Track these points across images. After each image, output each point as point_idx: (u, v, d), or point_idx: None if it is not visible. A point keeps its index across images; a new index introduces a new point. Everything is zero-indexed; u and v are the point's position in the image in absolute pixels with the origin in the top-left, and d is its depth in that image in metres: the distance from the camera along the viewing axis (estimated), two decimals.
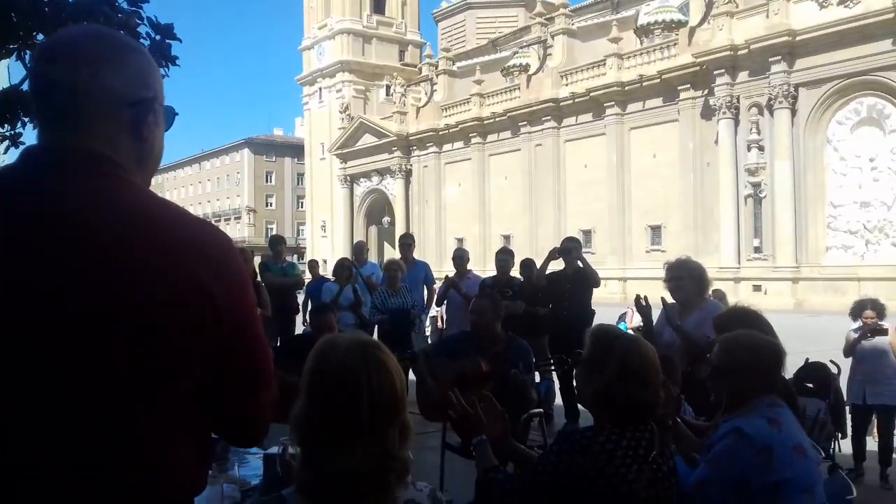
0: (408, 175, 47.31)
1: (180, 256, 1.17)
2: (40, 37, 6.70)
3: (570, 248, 7.74)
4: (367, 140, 49.11)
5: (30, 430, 1.13)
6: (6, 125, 7.85)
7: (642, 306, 4.47)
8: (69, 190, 1.17)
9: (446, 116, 44.27)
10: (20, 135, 8.84)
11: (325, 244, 52.68)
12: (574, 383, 7.17)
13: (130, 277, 1.13)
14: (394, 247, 48.19)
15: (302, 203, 69.41)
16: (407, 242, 9.46)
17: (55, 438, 1.13)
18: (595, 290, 7.93)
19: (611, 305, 10.67)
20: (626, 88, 33.66)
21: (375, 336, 8.27)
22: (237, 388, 1.29)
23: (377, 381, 1.49)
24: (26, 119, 8.26)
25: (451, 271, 9.10)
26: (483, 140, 41.77)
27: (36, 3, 6.41)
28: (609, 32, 35.39)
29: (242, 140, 77.65)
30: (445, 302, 8.59)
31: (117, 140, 1.25)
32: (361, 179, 51.05)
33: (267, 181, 77.97)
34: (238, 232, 70.37)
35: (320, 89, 55.17)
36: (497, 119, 40.22)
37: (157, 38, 6.68)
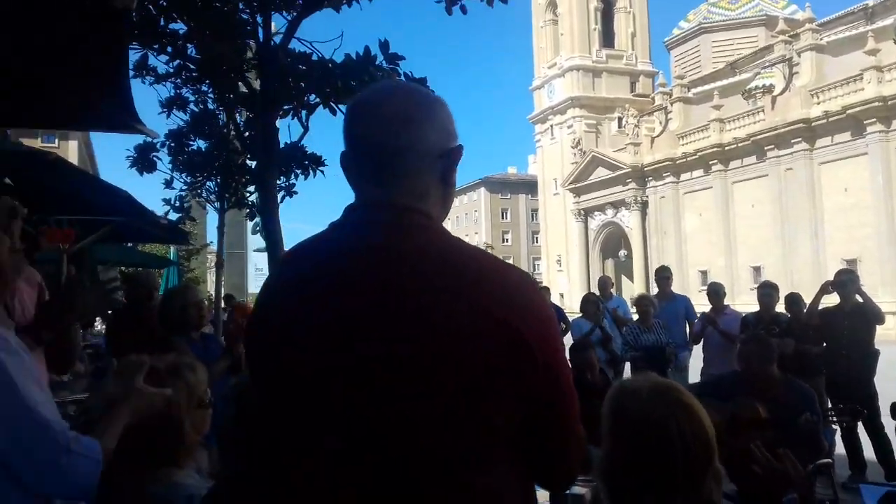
0: (643, 206, 46.26)
1: (494, 303, 1.18)
2: (313, 97, 7.56)
3: (845, 281, 7.12)
4: (600, 173, 48.84)
5: (363, 469, 1.18)
6: (282, 177, 8.93)
7: None
8: (392, 244, 1.23)
9: (683, 145, 42.79)
10: (293, 185, 10.02)
11: (561, 278, 52.88)
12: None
13: (456, 324, 1.16)
14: (632, 280, 47.47)
15: (536, 238, 70.42)
16: (665, 276, 9.20)
17: (386, 477, 1.17)
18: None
19: (889, 343, 9.56)
20: (889, 103, 30.35)
21: (627, 374, 8.19)
22: (552, 434, 1.29)
23: (688, 427, 1.41)
24: (299, 171, 9.35)
25: (699, 305, 8.80)
26: (725, 167, 39.73)
27: (309, 68, 7.22)
28: (865, 44, 32.24)
29: (479, 180, 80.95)
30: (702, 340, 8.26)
31: (429, 190, 1.31)
32: (595, 213, 50.76)
33: (503, 217, 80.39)
34: None
35: (552, 126, 55.92)
36: (740, 144, 38.09)
37: None
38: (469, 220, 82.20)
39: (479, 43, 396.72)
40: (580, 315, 8.91)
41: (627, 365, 8.25)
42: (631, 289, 42.66)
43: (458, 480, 1.18)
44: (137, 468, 1.75)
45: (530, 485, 1.31)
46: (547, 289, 14.00)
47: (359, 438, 1.18)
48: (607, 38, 54.78)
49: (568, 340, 9.21)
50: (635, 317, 8.80)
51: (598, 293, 9.70)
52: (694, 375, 7.99)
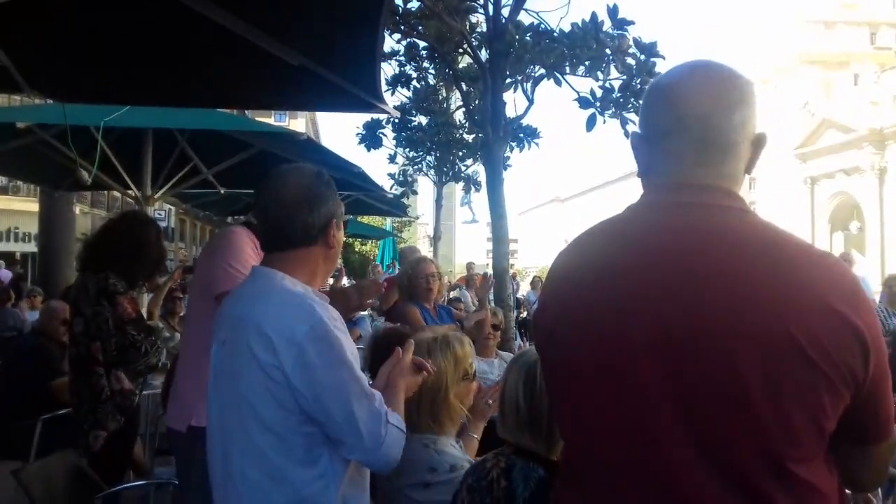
0: (882, 173, 41.54)
1: (820, 291, 1.15)
2: (536, 69, 7.55)
3: None
4: (831, 137, 44.47)
5: (697, 466, 1.17)
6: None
7: None
8: (713, 229, 1.23)
9: None
10: (507, 158, 10.11)
11: None
12: None
13: (788, 313, 1.13)
14: (864, 255, 42.88)
15: (755, 209, 65.81)
16: None
17: (721, 474, 1.16)
18: None
19: None
20: None
21: None
22: (863, 432, 1.26)
23: None
24: (514, 144, 9.43)
25: None
26: None
27: (536, 40, 7.20)
28: None
29: None
30: None
31: (739, 175, 1.31)
32: (823, 181, 46.42)
33: None
34: None
35: (774, 86, 51.75)
36: None
37: (643, 58, 7.06)
38: None
39: None
40: None
41: None
42: (864, 265, 38.70)
43: (790, 473, 1.15)
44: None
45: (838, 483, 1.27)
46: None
47: (675, 421, 1.17)
48: None
49: None
50: (876, 297, 8.03)
51: None
52: None
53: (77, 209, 9.85)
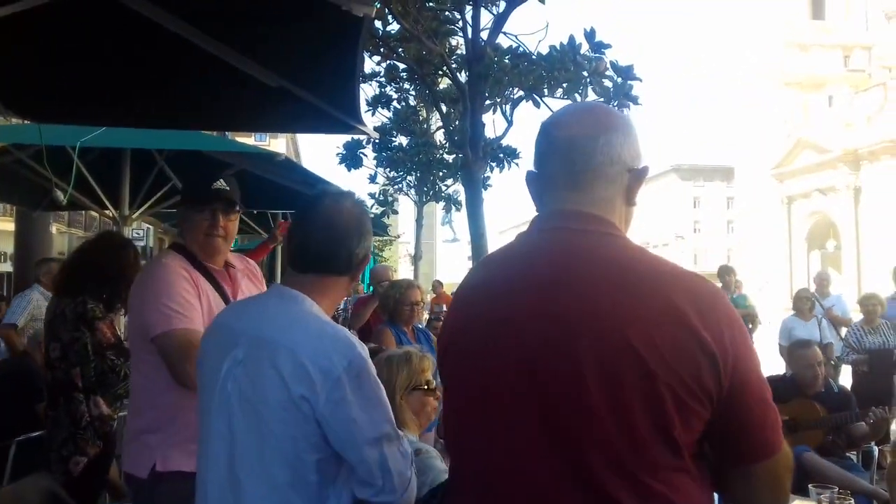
0: (857, 193, 42.16)
1: (665, 305, 1.19)
2: (515, 91, 7.62)
3: None
4: (807, 157, 45.09)
5: (552, 472, 1.21)
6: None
7: None
8: (573, 250, 1.30)
9: None
10: (488, 178, 10.19)
11: (758, 270, 49.59)
12: None
13: (630, 326, 1.18)
14: (841, 274, 43.38)
15: (732, 228, 66.59)
16: None
17: (573, 482, 1.20)
18: None
19: None
20: None
21: (850, 379, 7.58)
22: (737, 449, 1.26)
23: None
24: (494, 164, 9.50)
25: None
26: None
27: (515, 63, 7.30)
28: None
29: (670, 167, 77.76)
30: None
31: (615, 202, 1.37)
32: (800, 200, 47.00)
33: (695, 206, 76.65)
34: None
35: (752, 107, 52.44)
36: None
37: (620, 80, 7.16)
38: (660, 208, 79.28)
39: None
40: (793, 313, 8.41)
41: (846, 369, 7.69)
42: (840, 284, 39.17)
43: (642, 483, 1.18)
44: None
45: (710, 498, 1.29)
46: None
47: (542, 429, 1.23)
48: (816, 11, 50.42)
49: (769, 339, 8.63)
50: (856, 317, 8.14)
51: (815, 289, 9.09)
52: None
53: (54, 228, 9.75)
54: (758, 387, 1.24)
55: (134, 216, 6.09)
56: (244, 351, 1.70)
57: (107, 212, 5.95)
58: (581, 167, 1.36)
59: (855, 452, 4.65)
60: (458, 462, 1.43)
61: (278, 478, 1.62)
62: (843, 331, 8.09)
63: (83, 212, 9.69)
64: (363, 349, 1.69)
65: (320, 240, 1.79)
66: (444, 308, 11.70)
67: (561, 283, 1.26)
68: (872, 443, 4.65)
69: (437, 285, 14.87)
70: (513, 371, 1.27)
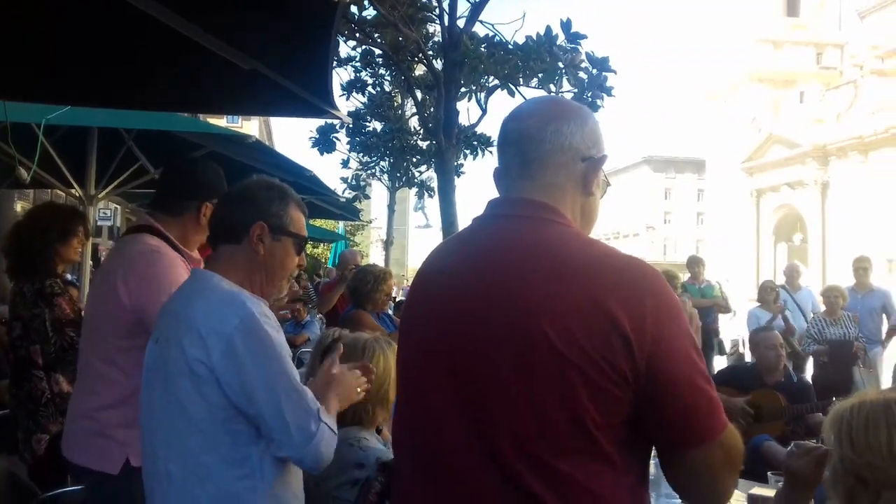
0: (824, 188, 42.87)
1: (583, 285, 1.20)
2: (491, 80, 7.62)
3: None
4: (777, 152, 45.71)
5: (471, 457, 1.24)
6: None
7: None
8: (507, 237, 1.33)
9: (875, 122, 39.10)
10: (461, 165, 10.18)
11: (727, 262, 50.26)
12: None
13: (546, 312, 1.19)
14: (807, 266, 43.96)
15: (702, 220, 67.35)
16: (863, 266, 8.64)
17: (490, 466, 1.22)
18: None
19: None
20: None
21: (810, 369, 7.73)
22: (668, 434, 1.24)
23: None
24: (468, 151, 9.49)
25: None
26: None
27: (491, 52, 7.30)
28: None
29: (642, 159, 78.36)
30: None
31: (566, 190, 1.38)
32: (769, 194, 47.67)
33: (666, 198, 77.40)
34: (638, 251, 70.90)
35: (724, 102, 52.98)
36: None
37: (595, 71, 7.19)
38: (630, 199, 79.90)
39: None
40: (757, 304, 8.53)
41: (810, 361, 7.84)
42: (806, 277, 39.78)
43: (558, 471, 1.19)
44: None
45: (642, 486, 1.29)
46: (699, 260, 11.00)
47: (467, 404, 1.26)
48: (792, 8, 50.93)
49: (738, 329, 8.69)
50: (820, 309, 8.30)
51: (785, 281, 9.24)
52: (888, 373, 7.44)
53: (18, 206, 9.56)
54: (686, 370, 1.21)
55: (100, 196, 5.98)
56: (159, 331, 1.83)
57: (72, 191, 5.83)
58: (531, 155, 1.38)
59: (814, 441, 4.74)
60: (396, 438, 1.48)
61: (190, 444, 1.70)
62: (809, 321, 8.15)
63: (49, 190, 9.50)
64: (256, 308, 1.75)
65: (216, 214, 1.98)
66: None
67: (487, 271, 1.29)
68: None
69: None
70: (437, 357, 1.32)
